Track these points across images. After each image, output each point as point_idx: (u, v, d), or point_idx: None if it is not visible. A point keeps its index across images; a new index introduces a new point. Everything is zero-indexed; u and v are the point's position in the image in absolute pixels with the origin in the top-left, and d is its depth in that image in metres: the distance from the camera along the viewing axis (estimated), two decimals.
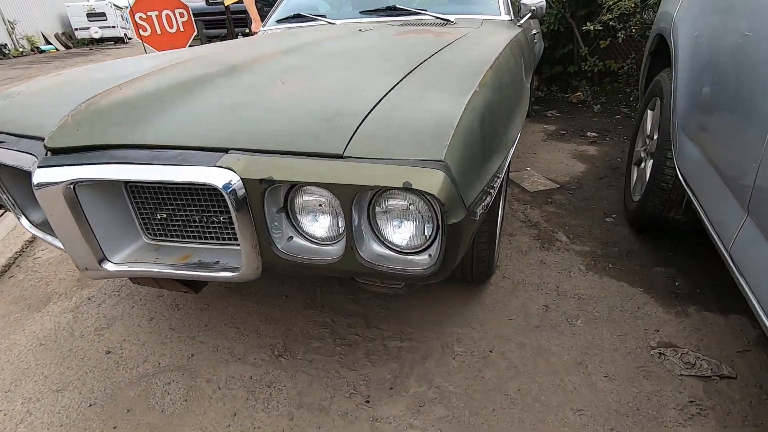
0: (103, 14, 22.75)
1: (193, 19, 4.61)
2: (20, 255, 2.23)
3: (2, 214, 2.68)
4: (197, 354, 1.47)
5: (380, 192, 0.87)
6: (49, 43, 20.21)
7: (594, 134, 3.55)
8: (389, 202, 0.88)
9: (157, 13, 4.44)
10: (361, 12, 2.39)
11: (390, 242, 0.92)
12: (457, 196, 0.81)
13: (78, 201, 0.94)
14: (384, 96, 1.00)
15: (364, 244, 0.91)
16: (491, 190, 1.01)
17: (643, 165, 2.08)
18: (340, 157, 0.85)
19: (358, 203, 0.87)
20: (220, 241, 1.06)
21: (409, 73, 1.15)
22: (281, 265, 0.96)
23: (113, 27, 23.17)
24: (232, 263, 1.01)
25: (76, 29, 22.51)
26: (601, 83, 4.82)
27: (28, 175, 1.26)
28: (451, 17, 2.16)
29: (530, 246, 1.99)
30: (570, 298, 1.63)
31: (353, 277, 1.02)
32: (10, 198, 1.23)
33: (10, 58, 16.42)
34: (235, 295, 1.76)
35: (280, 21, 2.63)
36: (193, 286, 1.20)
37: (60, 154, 0.95)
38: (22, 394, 1.36)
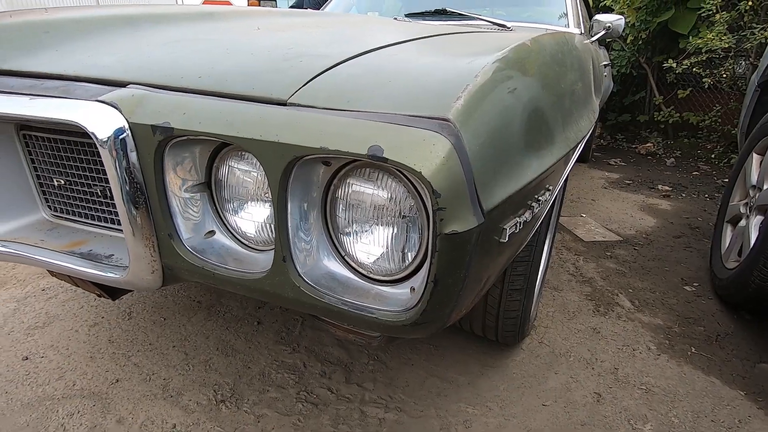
0: None
1: None
2: None
3: None
4: (124, 380, 1.14)
5: (343, 171, 0.52)
6: None
7: (667, 188, 3.03)
8: (353, 189, 0.52)
9: None
10: (406, 15, 2.13)
11: (354, 259, 0.56)
12: (466, 187, 0.45)
13: None
14: (376, 49, 0.67)
15: (311, 257, 0.56)
16: (535, 205, 0.63)
17: (743, 223, 1.59)
18: (284, 104, 0.51)
19: (301, 184, 0.52)
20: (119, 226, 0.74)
21: (423, 38, 0.82)
22: (187, 273, 0.62)
23: None
24: (126, 260, 0.68)
25: None
26: (676, 136, 4.28)
27: None
28: (509, 24, 1.84)
29: (580, 307, 1.53)
30: (634, 388, 1.15)
31: (297, 310, 0.66)
32: None
33: None
34: (202, 311, 1.43)
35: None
36: (109, 290, 0.89)
37: None
38: None
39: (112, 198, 0.73)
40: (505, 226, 0.54)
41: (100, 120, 0.54)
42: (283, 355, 1.24)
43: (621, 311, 1.51)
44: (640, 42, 4.11)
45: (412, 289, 0.52)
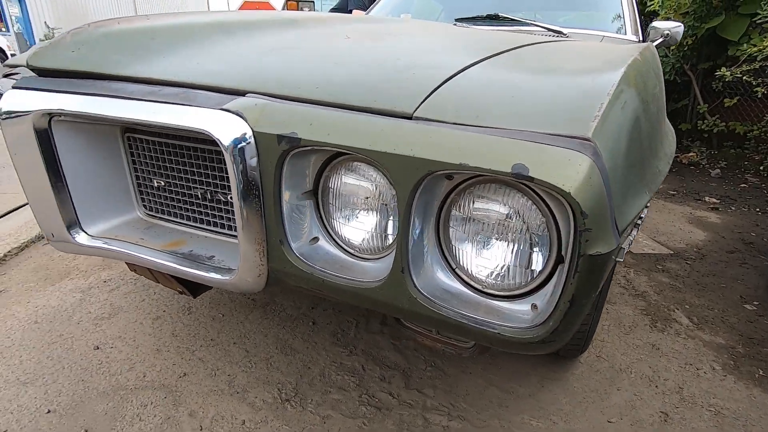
0: None
1: None
2: None
3: None
4: (191, 374, 1.17)
5: (464, 184, 0.52)
6: None
7: (715, 200, 2.93)
8: (476, 204, 0.52)
9: None
10: (456, 20, 2.12)
11: (467, 273, 0.56)
12: (608, 208, 0.44)
13: (53, 141, 0.70)
14: (488, 57, 0.67)
15: (424, 269, 0.56)
16: (639, 222, 0.62)
17: None
18: (409, 117, 0.52)
19: (424, 198, 0.52)
20: (223, 230, 0.76)
21: (520, 47, 0.81)
22: (294, 278, 0.64)
23: None
24: (229, 263, 0.70)
25: None
26: (720, 146, 4.13)
27: None
28: (564, 30, 1.81)
29: (635, 321, 1.49)
30: (702, 410, 1.12)
31: (398, 317, 0.67)
32: None
33: None
34: (258, 309, 1.46)
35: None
36: (192, 288, 0.92)
37: (45, 76, 0.72)
38: None
39: (212, 200, 0.76)
40: (623, 246, 0.53)
41: (227, 128, 0.56)
42: (341, 357, 1.26)
43: (679, 328, 1.47)
44: (686, 48, 3.99)
45: (534, 306, 0.52)
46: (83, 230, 0.78)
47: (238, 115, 0.57)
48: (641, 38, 1.90)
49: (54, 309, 1.45)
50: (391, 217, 0.59)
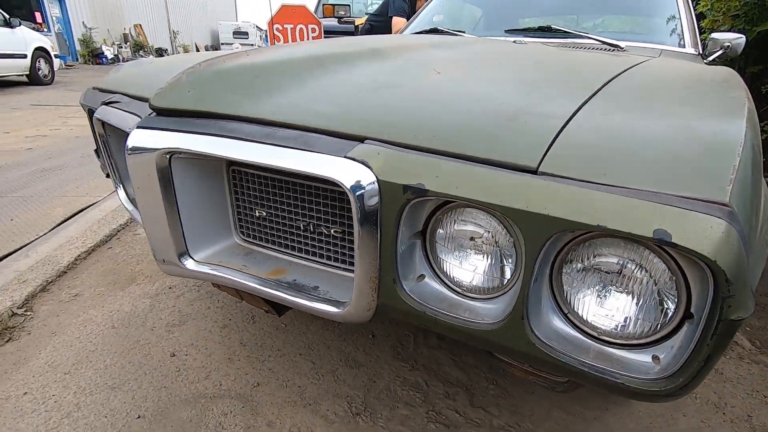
0: (246, 33, 25.89)
1: (323, 35, 4.77)
2: (124, 228, 2.25)
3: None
4: (263, 384, 1.23)
5: (586, 235, 0.54)
6: (198, 51, 23.41)
7: None
8: (598, 257, 0.55)
9: (293, 26, 4.66)
10: (507, 31, 2.12)
11: (583, 320, 0.58)
12: (748, 275, 0.46)
13: (171, 176, 0.76)
14: (588, 100, 0.68)
15: (541, 315, 0.59)
16: None
17: None
18: (534, 172, 0.55)
19: (549, 250, 0.55)
20: (326, 261, 0.80)
21: (614, 78, 0.82)
22: (402, 313, 0.67)
23: (252, 45, 26.20)
24: (334, 294, 0.74)
25: (222, 43, 25.84)
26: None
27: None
28: (621, 43, 1.79)
29: None
30: None
31: (500, 355, 0.69)
32: (113, 164, 1.12)
33: None
34: (317, 320, 1.51)
35: (414, 34, 2.47)
36: (278, 307, 0.96)
37: (165, 115, 0.78)
38: (78, 381, 1.22)
39: (313, 232, 0.80)
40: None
41: (353, 176, 0.60)
42: (404, 371, 1.30)
43: (742, 351, 1.45)
44: None
45: (656, 357, 0.54)
46: (191, 257, 0.83)
47: (363, 163, 0.60)
48: (700, 51, 1.85)
49: (128, 314, 1.53)
50: (506, 263, 0.62)
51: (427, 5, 2.74)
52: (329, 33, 4.92)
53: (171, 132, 0.73)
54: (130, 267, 1.87)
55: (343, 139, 0.66)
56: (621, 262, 0.53)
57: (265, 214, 0.83)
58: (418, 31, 2.45)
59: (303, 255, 0.83)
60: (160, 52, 18.88)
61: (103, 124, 1.06)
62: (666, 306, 0.52)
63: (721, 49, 1.91)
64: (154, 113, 0.79)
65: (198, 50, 23.26)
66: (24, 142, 3.96)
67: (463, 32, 2.22)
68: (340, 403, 1.18)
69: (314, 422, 1.11)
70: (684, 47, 1.83)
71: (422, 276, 0.69)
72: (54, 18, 13.39)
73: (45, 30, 12.66)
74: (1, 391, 1.18)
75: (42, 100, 6.49)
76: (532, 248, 0.53)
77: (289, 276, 0.80)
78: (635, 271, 0.53)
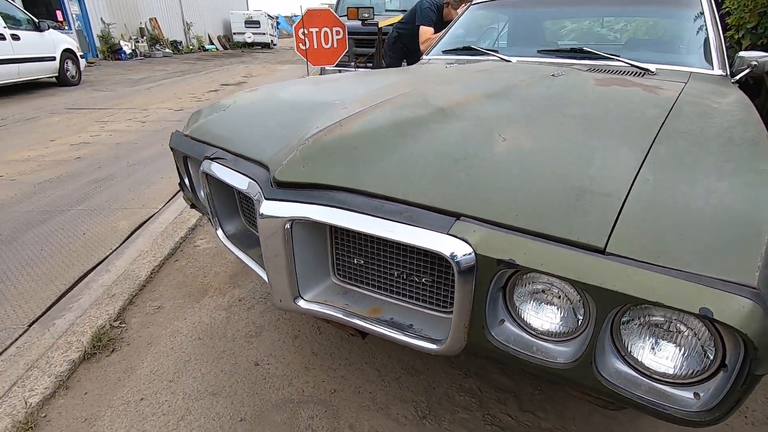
0: (257, 22, 25.83)
1: (347, 36, 4.89)
2: (184, 240, 2.46)
3: (170, 200, 3.03)
4: (339, 391, 1.43)
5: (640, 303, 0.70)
6: (211, 43, 23.47)
7: None
8: (653, 318, 0.71)
9: (317, 29, 4.78)
10: (539, 51, 2.23)
11: (638, 363, 0.75)
12: None
13: (291, 236, 0.94)
14: (637, 173, 0.84)
15: (605, 359, 0.76)
16: None
17: None
18: (602, 252, 0.71)
19: (614, 314, 0.71)
20: (416, 302, 0.98)
21: (653, 143, 0.97)
22: (487, 351, 0.85)
23: (264, 34, 26.18)
24: (427, 331, 0.92)
25: (234, 33, 25.86)
26: None
27: (237, 194, 1.34)
28: (651, 67, 1.90)
29: None
30: None
31: (569, 388, 0.86)
32: (214, 209, 1.31)
33: (182, 53, 19.36)
34: None
35: (446, 52, 2.59)
36: (363, 332, 1.15)
37: (285, 188, 0.95)
38: (183, 388, 1.43)
39: (406, 279, 0.97)
40: None
41: (455, 249, 0.77)
42: (459, 379, 1.48)
43: None
44: (759, 48, 3.86)
45: (697, 394, 0.71)
46: (302, 298, 1.02)
47: (463, 240, 0.77)
48: (728, 71, 1.95)
49: (208, 326, 1.74)
50: (577, 315, 0.78)
51: (457, 19, 2.85)
52: (353, 34, 5.03)
53: (295, 203, 0.91)
54: (199, 280, 2.08)
55: (441, 214, 0.83)
56: (670, 322, 0.70)
57: (362, 261, 1.01)
58: (450, 48, 2.58)
59: (395, 296, 1.00)
60: (175, 45, 19.06)
61: (207, 175, 1.24)
62: (706, 356, 0.69)
63: (748, 67, 1.99)
64: (276, 185, 0.96)
65: (211, 41, 23.36)
66: (70, 150, 4.20)
67: (496, 51, 2.35)
68: (407, 407, 1.37)
69: (388, 425, 1.31)
70: (712, 68, 1.92)
71: (502, 320, 0.86)
72: (74, 15, 13.64)
73: (66, 28, 12.94)
74: (121, 397, 1.40)
75: (75, 103, 6.75)
76: (602, 312, 0.69)
77: (386, 315, 0.98)
78: (682, 329, 0.69)
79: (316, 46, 4.83)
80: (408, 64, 3.85)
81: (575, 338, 0.79)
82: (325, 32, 4.80)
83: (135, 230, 2.55)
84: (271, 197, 0.94)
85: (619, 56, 2.01)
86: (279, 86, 1.81)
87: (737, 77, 1.98)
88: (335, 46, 4.87)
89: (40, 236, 2.46)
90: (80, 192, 3.14)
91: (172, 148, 1.54)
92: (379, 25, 4.68)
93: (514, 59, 2.20)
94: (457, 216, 0.82)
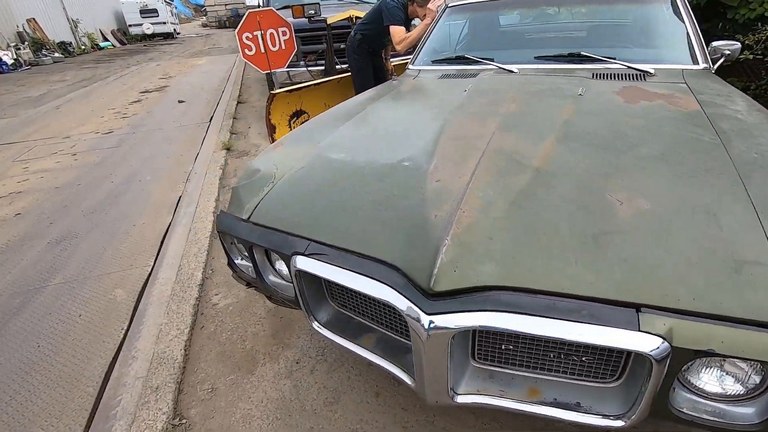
0: (155, 11, 23.44)
1: (294, 36, 4.61)
2: (199, 301, 2.28)
3: (159, 251, 2.76)
4: None
5: None
6: (106, 39, 21.00)
7: None
8: None
9: (262, 32, 4.45)
10: (536, 58, 2.28)
11: None
12: None
13: (450, 343, 0.91)
14: (765, 231, 0.91)
15: None
16: None
17: None
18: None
19: None
20: (574, 376, 1.00)
21: (742, 182, 1.06)
22: (675, 418, 0.90)
23: (164, 23, 23.85)
24: (598, 407, 0.95)
25: (130, 25, 23.31)
26: None
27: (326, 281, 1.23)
28: (649, 68, 2.01)
29: None
30: None
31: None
32: (306, 303, 1.23)
33: (74, 56, 17.13)
34: None
35: (437, 62, 2.55)
36: None
37: (440, 297, 0.92)
38: None
39: (564, 358, 0.99)
40: None
41: (649, 346, 0.80)
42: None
43: None
44: None
45: None
46: (455, 392, 1.01)
47: (658, 336, 0.80)
48: (710, 64, 2.11)
49: (279, 401, 1.66)
50: (755, 381, 0.86)
51: (436, 23, 2.79)
52: (299, 32, 4.76)
53: (461, 314, 0.88)
54: (240, 346, 1.95)
55: (620, 307, 0.85)
56: None
57: (512, 347, 1.01)
58: (441, 58, 2.54)
59: (550, 373, 1.02)
60: (63, 47, 16.81)
61: (300, 272, 1.15)
62: None
63: (722, 56, 2.19)
64: (430, 296, 0.92)
65: (105, 38, 20.90)
66: (3, 206, 3.64)
67: (492, 60, 2.35)
68: None
69: None
70: (698, 63, 2.08)
71: (673, 388, 0.92)
72: None
73: None
74: None
75: None
76: None
77: (547, 395, 0.99)
78: None
79: (263, 50, 4.52)
80: (374, 65, 3.75)
81: (755, 399, 0.87)
82: (271, 34, 4.49)
83: (138, 300, 2.31)
84: (433, 311, 0.90)
85: (615, 59, 2.11)
86: (317, 135, 1.68)
87: (715, 66, 2.15)
88: (283, 47, 4.58)
89: (27, 329, 2.14)
90: (45, 261, 2.76)
91: (221, 232, 1.40)
92: (328, 21, 4.46)
93: (514, 68, 2.22)
94: (637, 307, 0.84)
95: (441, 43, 2.70)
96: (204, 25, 35.45)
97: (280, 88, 3.63)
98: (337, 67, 4.76)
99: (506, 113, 1.56)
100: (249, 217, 1.32)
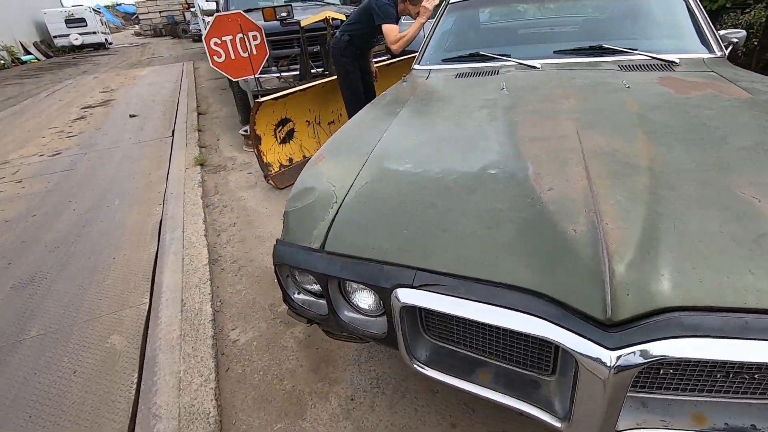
0: (82, 20, 21.84)
1: (266, 40, 4.33)
2: (216, 339, 2.01)
3: (152, 286, 2.44)
4: None
5: None
6: (28, 53, 19.24)
7: None
8: None
9: (231, 37, 4.14)
10: (555, 52, 2.22)
11: None
12: None
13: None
14: None
15: None
16: None
17: None
18: None
19: None
20: (747, 396, 0.91)
21: None
22: None
23: (94, 33, 22.25)
24: None
25: (55, 36, 21.54)
26: None
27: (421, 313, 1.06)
28: (674, 58, 2.00)
29: None
30: None
31: None
32: (407, 342, 1.06)
33: None
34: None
35: (447, 60, 2.43)
36: None
37: (615, 327, 0.78)
38: None
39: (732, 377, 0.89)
40: None
41: None
42: None
43: None
44: None
45: None
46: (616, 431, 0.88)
47: None
48: (725, 52, 2.14)
49: None
50: None
51: (438, 21, 2.68)
52: (272, 36, 4.49)
53: (644, 344, 0.76)
54: (279, 387, 1.73)
55: None
56: None
57: (671, 371, 0.90)
58: (452, 56, 2.42)
59: (715, 394, 0.91)
60: None
61: (406, 307, 0.98)
62: None
63: (730, 45, 2.24)
64: (606, 326, 0.78)
65: (27, 51, 19.12)
66: None
67: (509, 56, 2.27)
68: None
69: None
70: (714, 52, 2.10)
71: None
72: None
73: None
74: None
75: None
76: None
77: (717, 420, 0.89)
78: None
79: (233, 56, 4.21)
80: (361, 68, 3.57)
81: None
82: (241, 38, 4.20)
83: (143, 346, 2.00)
84: (616, 345, 0.76)
85: (636, 50, 2.09)
86: (359, 145, 1.49)
87: (726, 53, 2.19)
88: (254, 52, 4.30)
89: (9, 397, 1.78)
90: (12, 310, 2.35)
91: (280, 265, 1.19)
92: (302, 24, 4.24)
93: (536, 63, 2.15)
94: None
95: (446, 41, 2.59)
96: (137, 34, 33.45)
97: (261, 96, 3.37)
98: (312, 71, 4.54)
99: (572, 110, 1.46)
100: (322, 246, 1.12)
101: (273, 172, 3.53)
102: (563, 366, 0.96)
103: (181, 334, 2.02)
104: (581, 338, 0.79)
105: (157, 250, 2.82)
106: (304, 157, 3.81)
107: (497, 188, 1.11)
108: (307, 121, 3.83)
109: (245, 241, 2.86)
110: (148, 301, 2.31)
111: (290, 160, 3.70)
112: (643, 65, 1.99)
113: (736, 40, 2.23)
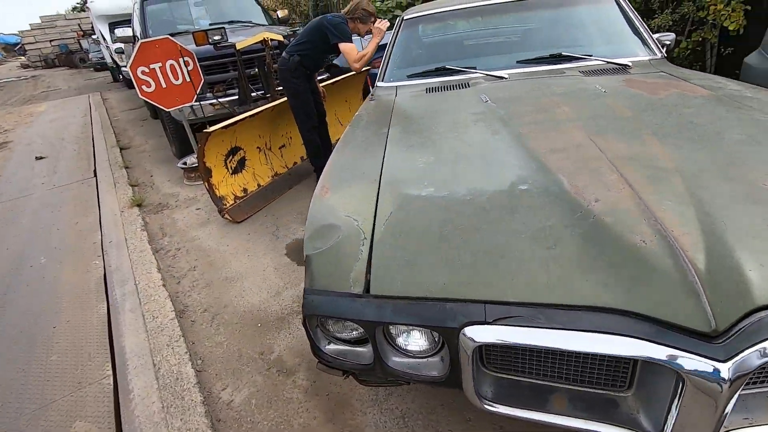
0: None
1: (199, 65, 4.04)
2: (206, 404, 1.77)
3: (112, 354, 2.11)
4: None
5: None
6: None
7: None
8: None
9: (160, 64, 3.80)
10: (518, 62, 2.29)
11: None
12: None
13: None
14: None
15: None
16: None
17: None
18: None
19: None
20: None
21: None
22: None
23: None
24: None
25: None
26: None
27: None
28: (626, 61, 2.15)
29: None
30: None
31: None
32: (476, 381, 0.97)
33: None
34: None
35: (413, 76, 2.42)
36: None
37: (717, 338, 0.77)
38: None
39: None
40: None
41: None
42: None
43: None
44: None
45: None
46: None
47: None
48: (664, 53, 2.33)
49: None
50: None
51: (395, 37, 2.65)
52: (205, 60, 4.20)
53: (757, 346, 0.74)
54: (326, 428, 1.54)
55: None
56: None
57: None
58: (418, 72, 2.40)
59: None
60: None
61: (483, 346, 0.90)
62: None
63: (664, 47, 2.45)
64: (713, 337, 0.76)
65: None
66: None
67: (474, 68, 2.30)
68: None
69: None
70: (656, 54, 2.29)
71: None
72: None
73: None
74: None
75: None
76: None
77: None
78: None
79: (165, 85, 3.86)
80: (310, 89, 3.45)
81: None
82: (171, 65, 3.87)
83: (119, 430, 1.70)
84: (728, 355, 0.74)
85: (592, 55, 2.22)
86: (362, 171, 1.39)
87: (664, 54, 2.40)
88: (188, 79, 3.99)
89: None
90: None
91: (311, 316, 1.06)
92: (238, 47, 4.02)
93: (503, 74, 2.19)
94: None
95: (408, 56, 2.57)
96: (24, 66, 30.01)
97: (200, 125, 3.11)
98: (253, 95, 4.32)
99: (570, 118, 1.49)
100: (366, 290, 1.01)
101: (228, 205, 3.27)
102: (641, 379, 0.93)
103: (164, 406, 1.75)
104: (687, 353, 0.76)
105: (108, 310, 2.45)
106: (259, 185, 3.58)
107: (538, 204, 1.07)
108: (258, 147, 3.62)
109: (212, 285, 2.59)
110: (111, 372, 1.98)
111: (245, 190, 3.45)
112: (601, 69, 2.11)
113: (668, 42, 2.46)
